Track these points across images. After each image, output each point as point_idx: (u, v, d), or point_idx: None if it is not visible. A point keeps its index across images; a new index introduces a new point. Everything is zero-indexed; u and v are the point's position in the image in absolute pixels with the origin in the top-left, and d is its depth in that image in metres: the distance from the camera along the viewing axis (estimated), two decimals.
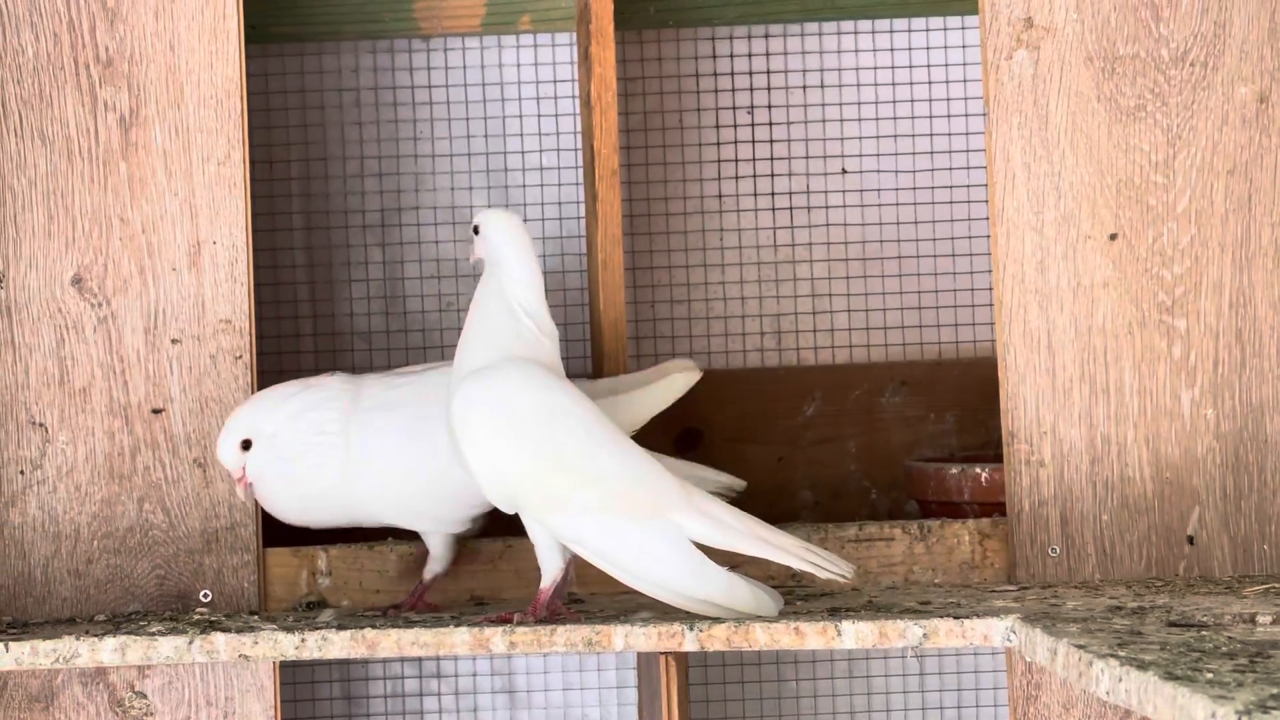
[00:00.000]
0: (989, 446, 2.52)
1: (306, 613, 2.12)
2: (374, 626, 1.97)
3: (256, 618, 2.08)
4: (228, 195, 2.15)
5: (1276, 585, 2.06)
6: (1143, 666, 1.54)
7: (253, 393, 2.14)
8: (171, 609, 2.13)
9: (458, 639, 1.95)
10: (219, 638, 1.95)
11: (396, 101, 2.58)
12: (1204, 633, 1.74)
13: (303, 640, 1.95)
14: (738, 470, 2.55)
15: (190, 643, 1.95)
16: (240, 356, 2.15)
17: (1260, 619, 1.81)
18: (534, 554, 2.14)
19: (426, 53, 2.58)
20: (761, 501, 2.53)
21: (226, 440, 2.04)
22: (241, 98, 2.15)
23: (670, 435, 2.55)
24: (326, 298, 2.58)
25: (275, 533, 2.19)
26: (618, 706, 2.56)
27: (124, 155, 2.14)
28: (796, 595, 2.13)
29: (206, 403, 2.15)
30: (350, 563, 2.17)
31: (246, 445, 2.04)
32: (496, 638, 1.95)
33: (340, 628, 1.97)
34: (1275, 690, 1.41)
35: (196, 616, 2.08)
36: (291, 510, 2.07)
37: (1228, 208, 2.16)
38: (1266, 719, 1.30)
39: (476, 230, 2.05)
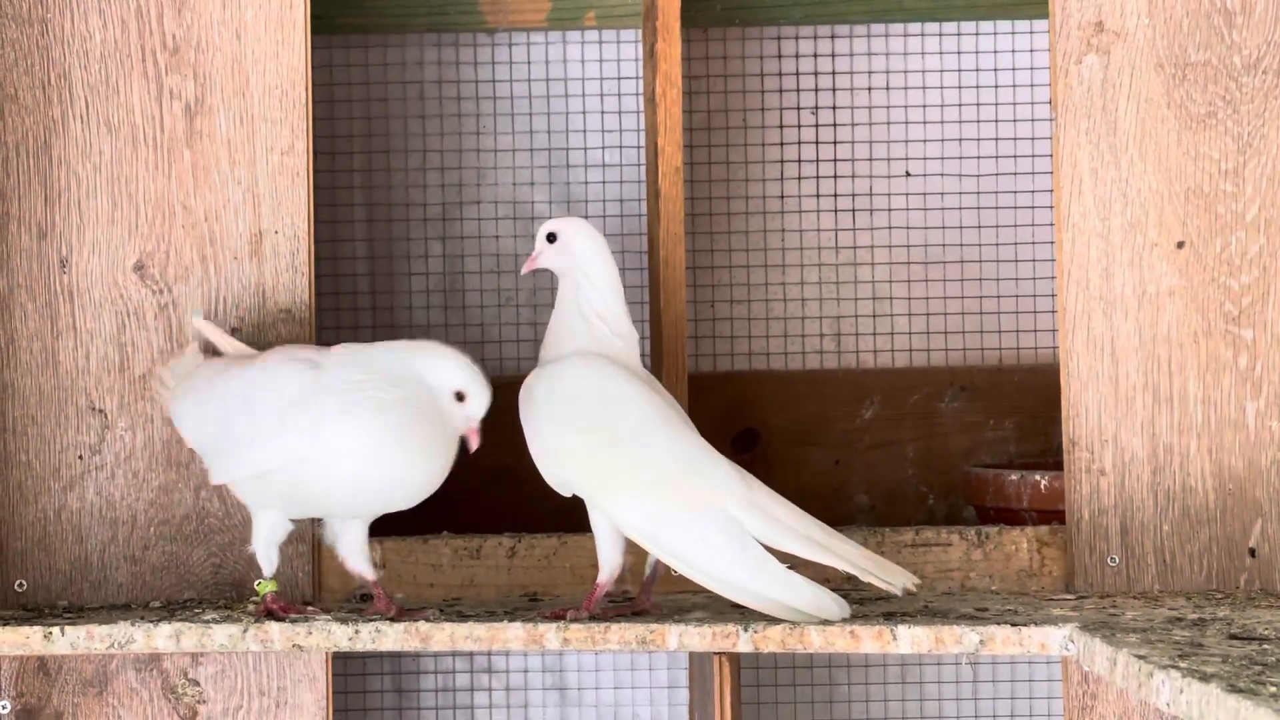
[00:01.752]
0: (1048, 454, 2.50)
1: (360, 604, 2.12)
2: (428, 619, 1.97)
3: (311, 607, 2.08)
4: (290, 185, 2.15)
5: None
6: (1205, 679, 1.53)
7: None
8: (226, 597, 2.13)
9: (511, 634, 1.94)
10: (274, 627, 1.95)
11: (460, 95, 2.58)
12: (1266, 646, 1.72)
13: (356, 632, 1.95)
14: (795, 473, 2.55)
15: (245, 631, 1.95)
16: None
17: None
18: (589, 550, 2.13)
19: (491, 47, 2.58)
20: (817, 504, 2.51)
21: None
22: (306, 88, 2.16)
23: (728, 436, 2.54)
24: (386, 290, 2.58)
25: None
26: (668, 707, 2.55)
27: (188, 143, 2.15)
28: (851, 598, 2.11)
29: None
30: (404, 555, 2.17)
31: None
32: (550, 634, 1.94)
33: (394, 620, 1.97)
34: None
35: (251, 606, 2.09)
36: None
37: None
38: None
39: (552, 238, 2.03)
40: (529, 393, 1.98)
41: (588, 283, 2.01)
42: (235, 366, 2.01)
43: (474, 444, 1.93)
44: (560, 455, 1.95)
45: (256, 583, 2.04)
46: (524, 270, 2.05)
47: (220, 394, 1.98)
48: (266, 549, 1.98)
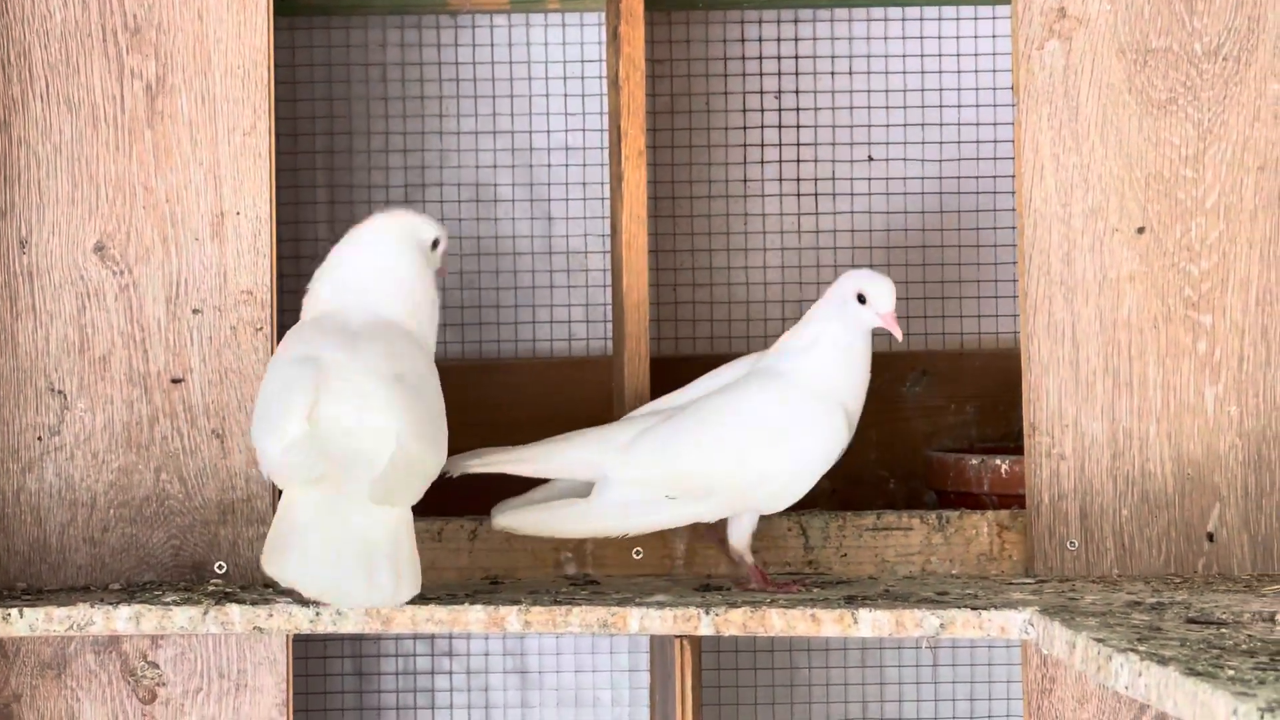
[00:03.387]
0: (1009, 439, 2.51)
1: None
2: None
3: (271, 590, 2.07)
4: (252, 166, 2.14)
5: None
6: (1163, 662, 1.54)
7: None
8: (186, 579, 2.13)
9: (472, 617, 1.94)
10: (234, 609, 1.95)
11: (423, 78, 2.57)
12: (1224, 630, 1.73)
13: (317, 614, 1.95)
14: None
15: (205, 613, 1.95)
16: (261, 328, 2.15)
17: None
18: (550, 535, 2.13)
19: (455, 29, 2.57)
20: None
21: None
22: (269, 68, 2.15)
23: None
24: None
25: None
26: (629, 690, 2.55)
27: (149, 123, 2.14)
28: (813, 583, 2.12)
29: (226, 374, 2.14)
30: None
31: None
32: (512, 616, 1.94)
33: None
34: None
35: (211, 588, 2.08)
36: None
37: (1257, 204, 2.15)
38: None
39: (862, 299, 2.06)
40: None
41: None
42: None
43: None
44: None
45: None
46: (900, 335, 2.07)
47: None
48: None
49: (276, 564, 1.84)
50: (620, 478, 2.02)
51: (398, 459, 1.84)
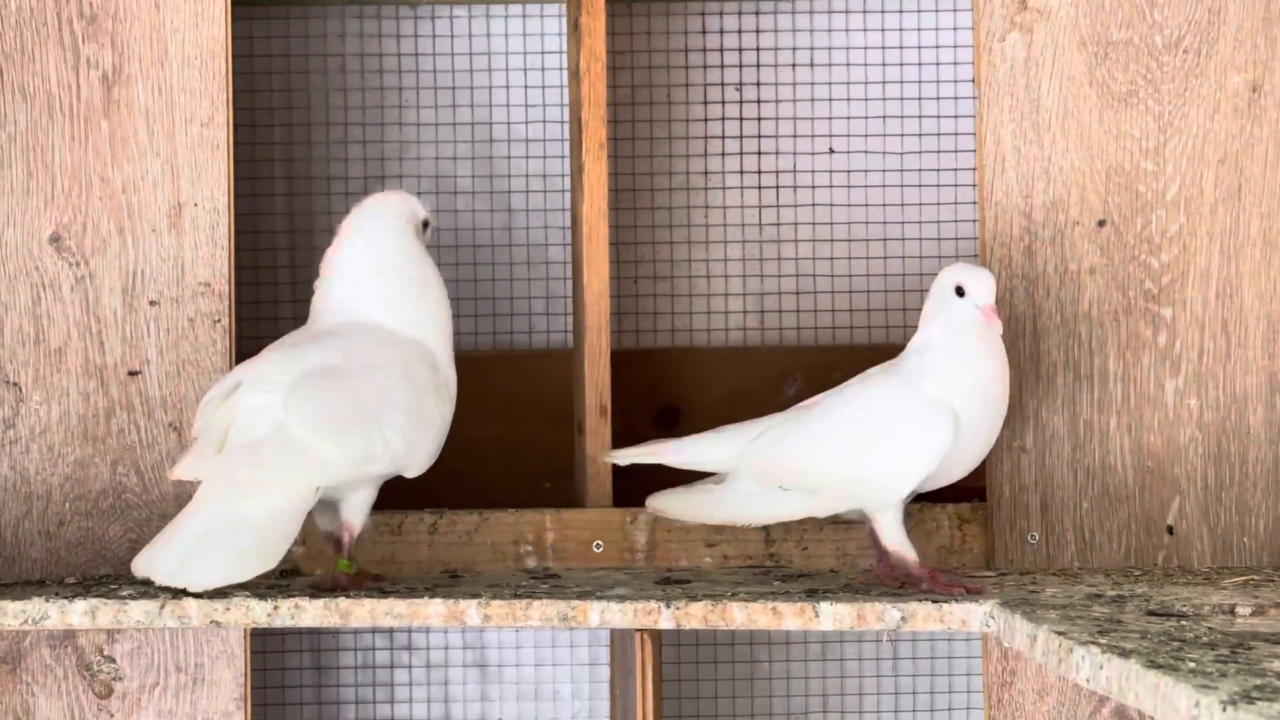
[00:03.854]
0: None
1: (279, 580, 2.10)
2: (347, 595, 1.95)
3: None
4: (210, 157, 2.13)
5: (1255, 578, 2.05)
6: (1125, 654, 1.54)
7: (231, 358, 2.12)
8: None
9: (432, 610, 1.93)
10: (191, 603, 1.93)
11: (383, 69, 2.56)
12: (1184, 623, 1.73)
13: (275, 608, 1.93)
14: None
15: (162, 607, 1.93)
16: (219, 321, 2.13)
17: (1240, 610, 1.80)
18: (510, 527, 2.13)
19: (414, 20, 2.56)
20: None
21: None
22: (226, 59, 2.13)
23: (650, 413, 2.54)
24: (306, 264, 2.55)
25: None
26: (589, 684, 2.55)
27: (106, 113, 2.12)
28: (774, 576, 2.12)
29: (183, 366, 2.12)
30: None
31: None
32: (471, 610, 1.93)
33: (313, 596, 1.95)
34: (1259, 681, 1.40)
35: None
36: None
37: (1217, 196, 2.15)
38: (1252, 709, 1.29)
39: (960, 292, 2.00)
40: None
41: None
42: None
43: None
44: None
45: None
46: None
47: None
48: None
49: (138, 562, 1.90)
50: (744, 470, 2.05)
51: (271, 434, 1.87)
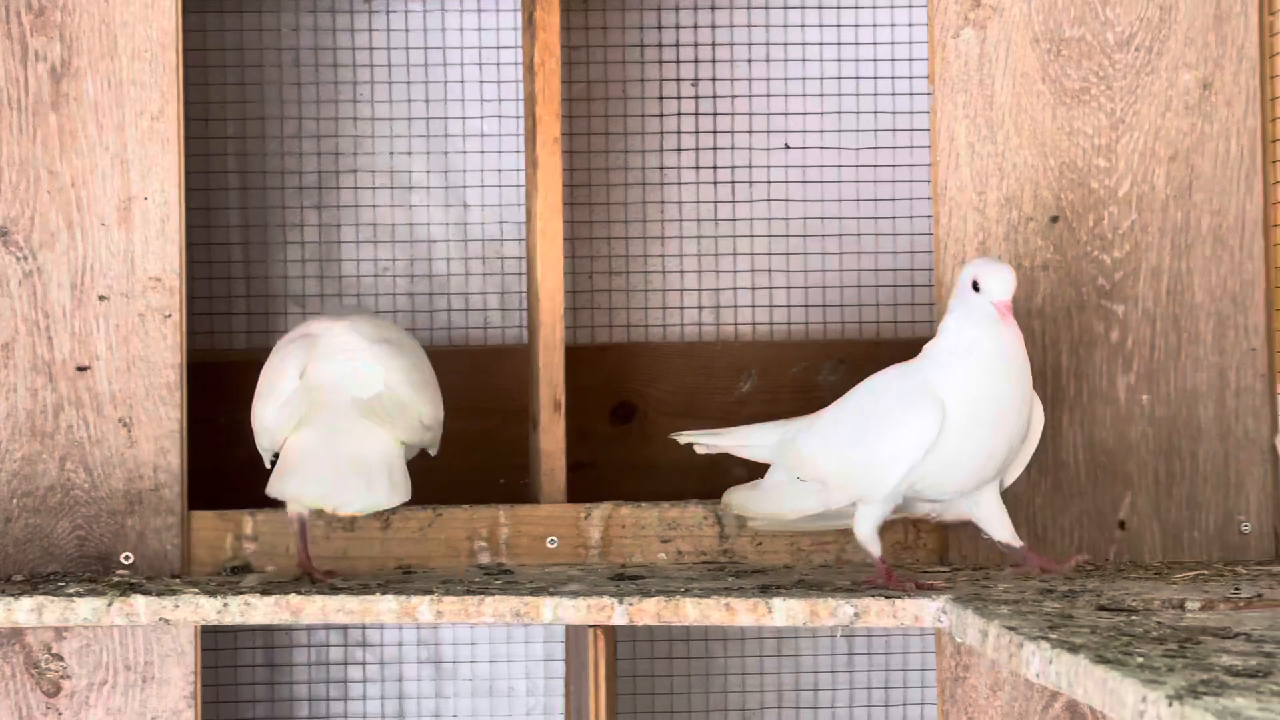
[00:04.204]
0: None
1: (230, 577, 2.09)
2: (299, 592, 1.94)
3: (178, 581, 2.05)
4: (160, 151, 2.12)
5: (1205, 572, 2.06)
6: (1074, 649, 1.54)
7: (182, 353, 2.11)
8: (92, 570, 2.10)
9: (384, 607, 1.93)
10: (139, 600, 1.92)
11: (337, 63, 2.55)
12: (1134, 618, 1.74)
13: (225, 604, 1.92)
14: (673, 445, 2.54)
15: (109, 604, 1.92)
16: (169, 315, 2.12)
17: (1189, 605, 1.80)
18: (462, 522, 2.12)
19: (369, 14, 2.55)
20: (694, 477, 2.51)
21: None
22: (177, 52, 2.12)
23: (605, 408, 2.53)
24: (261, 259, 2.54)
25: (201, 496, 2.16)
26: (544, 680, 2.54)
27: (54, 107, 2.10)
28: (729, 572, 2.12)
29: (133, 361, 2.11)
30: (277, 527, 2.14)
31: None
32: (423, 606, 1.92)
33: (264, 592, 1.94)
34: (1205, 676, 1.41)
35: (116, 578, 2.05)
36: None
37: (1168, 193, 2.16)
38: (1198, 704, 1.29)
39: (976, 287, 1.96)
40: None
41: None
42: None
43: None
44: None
45: None
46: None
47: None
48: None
49: (278, 486, 1.98)
50: (778, 461, 2.08)
51: (384, 391, 2.00)
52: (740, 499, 2.13)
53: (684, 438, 2.18)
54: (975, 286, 1.95)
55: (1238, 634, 1.64)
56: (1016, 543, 2.03)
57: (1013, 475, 2.03)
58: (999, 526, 2.03)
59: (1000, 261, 2.00)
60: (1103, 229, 2.16)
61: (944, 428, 1.95)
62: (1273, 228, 2.15)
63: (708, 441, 2.16)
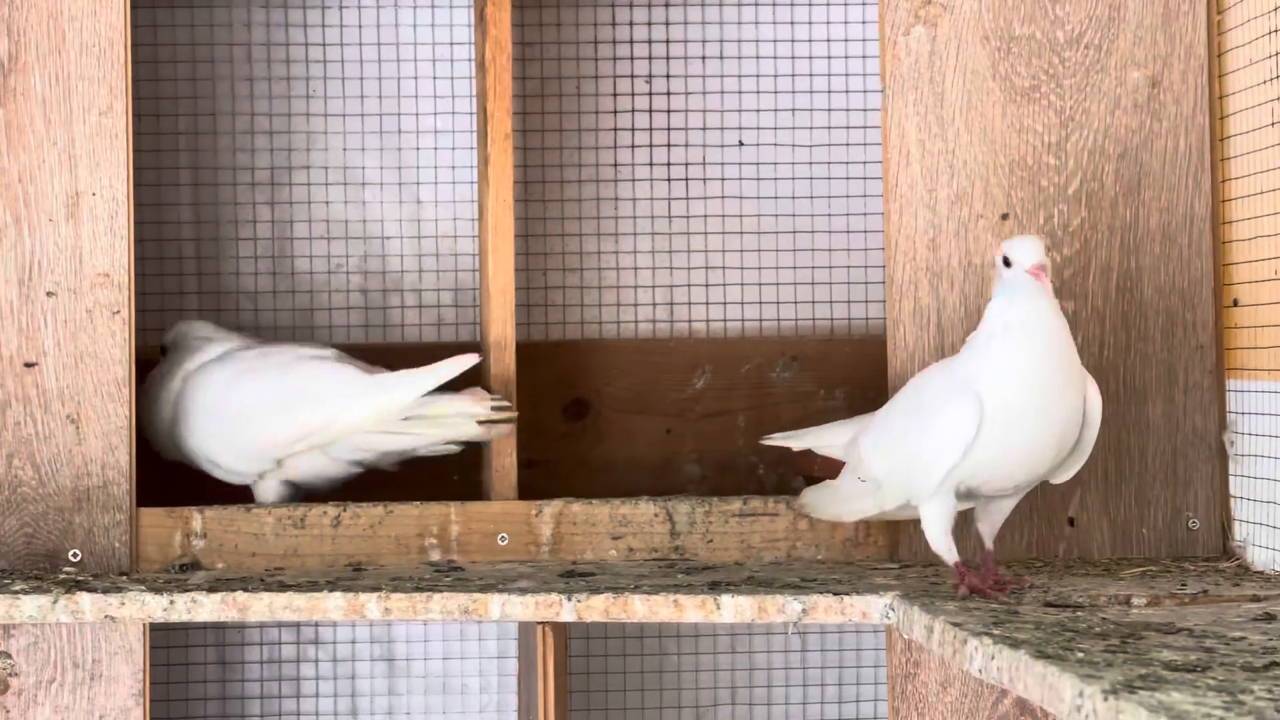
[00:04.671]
0: None
1: (179, 574, 2.08)
2: (246, 589, 1.94)
3: (125, 578, 2.04)
4: (109, 146, 2.11)
5: (1152, 569, 2.07)
6: (1015, 645, 1.54)
7: (130, 349, 2.10)
8: (39, 568, 2.09)
9: (331, 604, 1.92)
10: (85, 598, 1.91)
11: (290, 58, 2.54)
12: (1079, 613, 1.74)
13: (171, 602, 1.92)
14: (626, 442, 2.54)
15: (55, 602, 1.91)
16: (118, 312, 2.11)
17: (1135, 601, 1.81)
18: (413, 520, 2.12)
19: (321, 10, 2.54)
20: (647, 474, 2.52)
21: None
22: (126, 47, 2.11)
23: (559, 405, 2.53)
24: (213, 255, 2.54)
25: (150, 493, 2.15)
26: (498, 677, 2.54)
27: (1, 101, 2.09)
28: (679, 569, 2.12)
29: (81, 358, 2.10)
30: (226, 524, 2.14)
31: None
32: (371, 603, 1.92)
33: (211, 590, 1.94)
34: (1144, 670, 1.41)
35: (64, 576, 2.04)
36: None
37: (1118, 191, 2.17)
38: (1134, 699, 1.30)
39: (1008, 262, 1.88)
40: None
41: None
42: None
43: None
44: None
45: None
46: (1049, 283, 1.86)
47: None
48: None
49: None
50: (846, 460, 2.08)
51: None
52: (811, 499, 2.14)
53: (773, 440, 2.20)
54: (1006, 263, 1.86)
55: (1180, 629, 1.65)
56: (990, 544, 1.95)
57: (1075, 465, 1.93)
58: (990, 524, 1.96)
59: (1027, 234, 2.01)
60: (1052, 226, 2.16)
61: (986, 420, 1.85)
62: (1221, 225, 2.16)
63: (790, 443, 2.18)
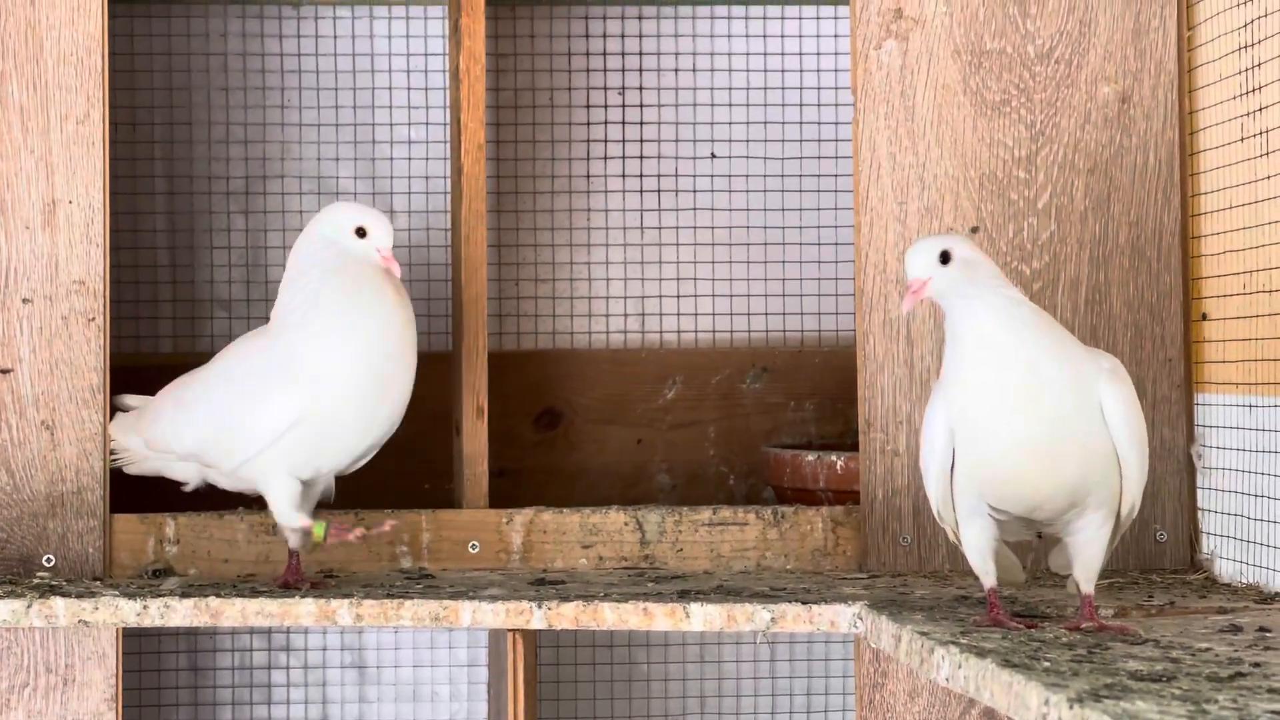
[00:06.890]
0: (847, 435, 2.53)
1: (152, 580, 2.09)
2: (218, 595, 1.95)
3: (99, 584, 2.05)
4: (85, 154, 2.11)
5: (1120, 580, 2.09)
6: (981, 654, 1.56)
7: (105, 356, 2.11)
8: (13, 573, 2.09)
9: (303, 610, 1.93)
10: (58, 602, 1.92)
11: (265, 69, 2.55)
12: (1045, 624, 1.76)
13: (144, 607, 1.92)
14: (597, 452, 2.56)
15: (28, 606, 1.91)
16: (93, 319, 2.12)
17: (1102, 612, 1.83)
18: (385, 527, 2.12)
19: (297, 20, 2.55)
20: (619, 483, 2.53)
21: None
22: (103, 55, 2.12)
23: (530, 415, 2.54)
24: (187, 264, 2.54)
25: (124, 499, 2.16)
26: (468, 685, 2.55)
27: None
28: (649, 577, 2.13)
29: (56, 364, 2.11)
30: (199, 531, 2.15)
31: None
32: (343, 610, 1.93)
33: (184, 595, 1.94)
34: (1110, 680, 1.43)
35: (37, 580, 2.05)
36: None
37: (1087, 205, 2.19)
38: (1099, 707, 1.31)
39: (946, 258, 1.70)
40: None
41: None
42: (199, 372, 2.08)
43: (396, 271, 2.02)
44: None
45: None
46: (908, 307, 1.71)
47: (200, 393, 2.04)
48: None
49: None
50: None
51: None
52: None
53: None
54: (945, 258, 1.70)
55: (1146, 640, 1.66)
56: (1086, 588, 1.76)
57: (1131, 491, 1.74)
58: (1078, 563, 1.77)
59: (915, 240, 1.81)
60: (1022, 240, 2.19)
61: (953, 434, 1.71)
62: (1190, 239, 2.18)
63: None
